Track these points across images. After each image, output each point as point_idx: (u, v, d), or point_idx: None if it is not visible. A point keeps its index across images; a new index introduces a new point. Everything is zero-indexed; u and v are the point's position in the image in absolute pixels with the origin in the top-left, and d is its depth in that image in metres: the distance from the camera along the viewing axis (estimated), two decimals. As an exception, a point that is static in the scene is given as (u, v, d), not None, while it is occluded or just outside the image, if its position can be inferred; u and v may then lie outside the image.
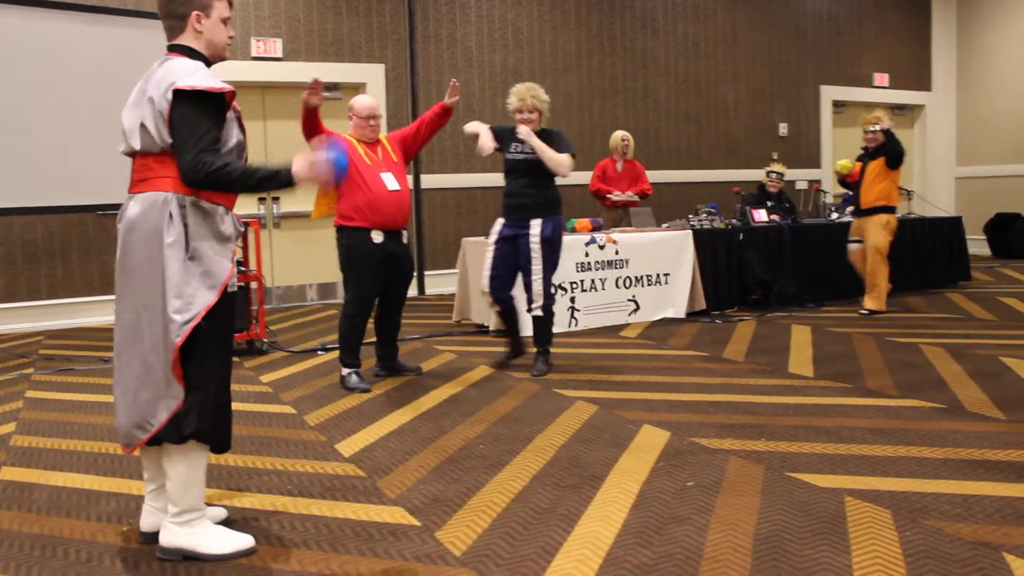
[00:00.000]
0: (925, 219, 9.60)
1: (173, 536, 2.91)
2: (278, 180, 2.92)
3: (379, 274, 5.31)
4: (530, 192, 5.54)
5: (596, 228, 7.41)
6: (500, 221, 5.69)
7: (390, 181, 5.28)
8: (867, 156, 7.79)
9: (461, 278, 7.49)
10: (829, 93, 12.53)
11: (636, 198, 8.48)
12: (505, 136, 5.60)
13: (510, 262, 5.64)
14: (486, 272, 5.66)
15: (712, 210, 8.39)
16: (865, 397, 4.89)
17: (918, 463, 3.74)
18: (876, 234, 7.68)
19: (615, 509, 3.28)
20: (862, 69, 12.92)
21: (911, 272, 9.16)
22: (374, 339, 5.68)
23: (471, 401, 4.98)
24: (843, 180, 8.01)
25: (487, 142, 5.49)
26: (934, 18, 13.61)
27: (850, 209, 8.28)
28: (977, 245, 12.67)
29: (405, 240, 5.45)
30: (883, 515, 3.16)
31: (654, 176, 10.59)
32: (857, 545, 2.92)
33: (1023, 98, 12.68)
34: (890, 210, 7.74)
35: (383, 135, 5.54)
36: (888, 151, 7.61)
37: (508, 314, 5.73)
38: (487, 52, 9.87)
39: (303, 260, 9.25)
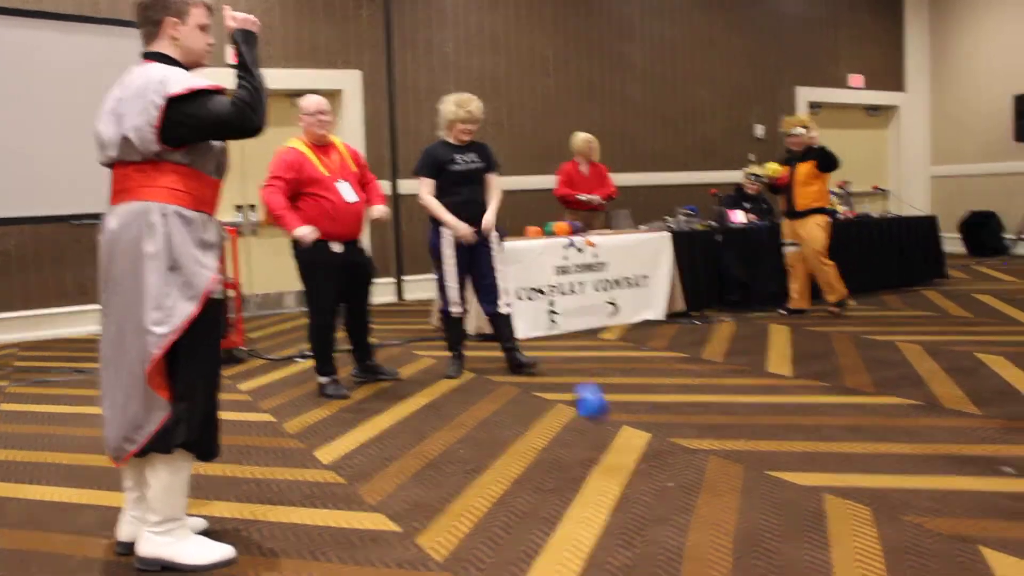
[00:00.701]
0: (901, 218, 9.67)
1: (152, 546, 2.88)
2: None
3: (340, 283, 5.29)
4: (482, 199, 5.73)
5: (575, 231, 7.40)
6: (448, 232, 5.64)
7: (347, 192, 5.22)
8: (794, 159, 7.75)
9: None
10: (805, 95, 12.60)
11: (603, 201, 8.33)
12: (441, 152, 5.68)
13: (464, 271, 5.72)
14: (453, 285, 5.68)
15: (690, 212, 8.42)
16: (843, 395, 4.92)
17: (896, 459, 3.76)
18: (815, 236, 7.60)
19: (596, 511, 3.28)
20: (837, 71, 12.99)
21: (888, 270, 9.22)
22: (349, 346, 5.65)
23: (450, 406, 4.96)
24: (772, 184, 7.91)
25: (466, 231, 5.58)
26: (907, 20, 13.72)
27: (752, 217, 8.28)
28: (952, 243, 12.77)
29: (361, 246, 5.45)
30: (862, 512, 3.18)
31: (632, 179, 10.64)
32: (837, 542, 2.93)
33: (995, 98, 12.79)
34: (824, 211, 7.73)
35: (340, 140, 5.50)
36: (820, 155, 7.58)
37: (461, 322, 5.85)
38: (464, 57, 9.87)
39: (281, 267, 9.17)
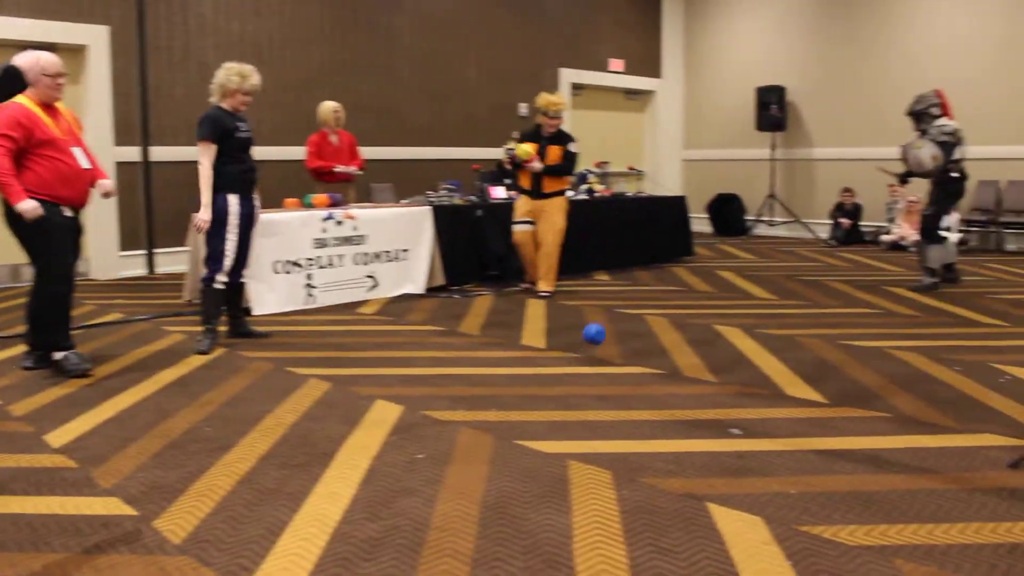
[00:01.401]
0: (654, 198, 10.20)
1: None
2: None
3: (72, 247, 4.99)
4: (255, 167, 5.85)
5: (334, 204, 7.29)
6: (235, 198, 5.61)
7: (81, 158, 4.94)
8: (546, 140, 7.69)
9: (193, 256, 7.14)
10: (568, 76, 13.01)
11: (358, 172, 8.23)
12: (227, 120, 5.62)
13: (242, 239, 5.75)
14: (231, 255, 5.64)
15: (452, 187, 8.50)
16: (592, 366, 5.16)
17: (637, 425, 3.99)
18: (558, 219, 7.69)
19: (344, 485, 3.27)
20: (599, 55, 13.51)
21: (640, 247, 9.72)
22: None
23: (199, 383, 4.78)
24: (517, 162, 7.68)
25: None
26: (664, 10, 14.46)
27: (512, 193, 8.22)
28: (700, 223, 13.65)
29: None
30: (603, 476, 3.36)
31: (397, 153, 10.63)
32: (578, 505, 3.08)
33: (741, 89, 13.76)
34: (564, 193, 7.85)
35: (63, 105, 5.09)
36: (568, 159, 7.67)
37: (224, 294, 5.82)
38: (224, 19, 9.44)
39: None
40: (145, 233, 9.04)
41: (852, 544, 2.76)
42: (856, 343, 5.71)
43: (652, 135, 14.64)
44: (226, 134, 5.56)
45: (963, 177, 7.84)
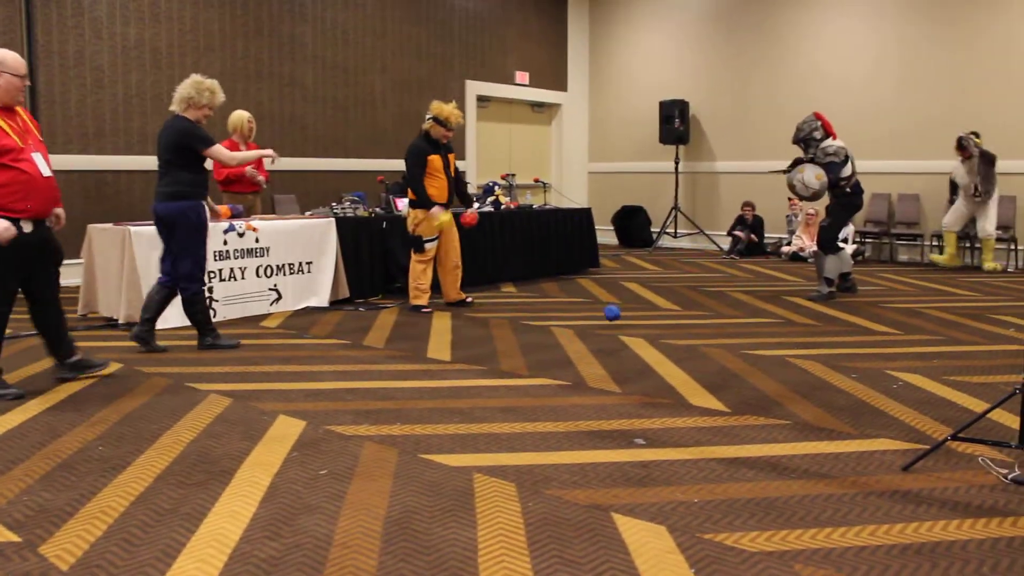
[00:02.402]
0: (560, 210, 10.27)
1: None
2: None
3: (25, 266, 4.68)
4: None
5: (235, 215, 7.13)
6: (204, 206, 5.85)
7: (42, 165, 4.67)
8: (444, 149, 7.47)
9: (87, 268, 6.90)
10: (474, 88, 13.03)
11: (264, 182, 8.01)
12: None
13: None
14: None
15: (357, 198, 8.41)
16: (498, 378, 5.14)
17: (543, 437, 3.99)
18: (456, 232, 7.64)
19: (244, 504, 3.18)
20: (505, 67, 13.57)
21: (546, 259, 9.78)
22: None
23: (93, 400, 4.60)
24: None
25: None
26: (570, 25, 14.62)
27: (406, 201, 7.89)
28: (606, 235, 13.81)
29: (49, 225, 4.85)
30: (508, 488, 3.34)
31: (300, 163, 10.48)
32: (483, 519, 3.05)
33: (644, 103, 13.99)
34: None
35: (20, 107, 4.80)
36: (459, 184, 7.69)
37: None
38: (120, 24, 9.17)
39: None
40: (36, 245, 8.68)
41: (753, 550, 2.80)
42: (757, 352, 5.83)
43: (558, 147, 14.77)
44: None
45: (858, 191, 8.11)
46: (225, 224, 6.89)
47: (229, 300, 6.92)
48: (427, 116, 7.37)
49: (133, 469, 3.55)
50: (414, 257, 7.49)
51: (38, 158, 4.64)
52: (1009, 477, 3.43)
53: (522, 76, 13.85)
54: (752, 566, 2.69)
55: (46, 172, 4.68)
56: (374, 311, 7.51)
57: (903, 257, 11.54)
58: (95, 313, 6.95)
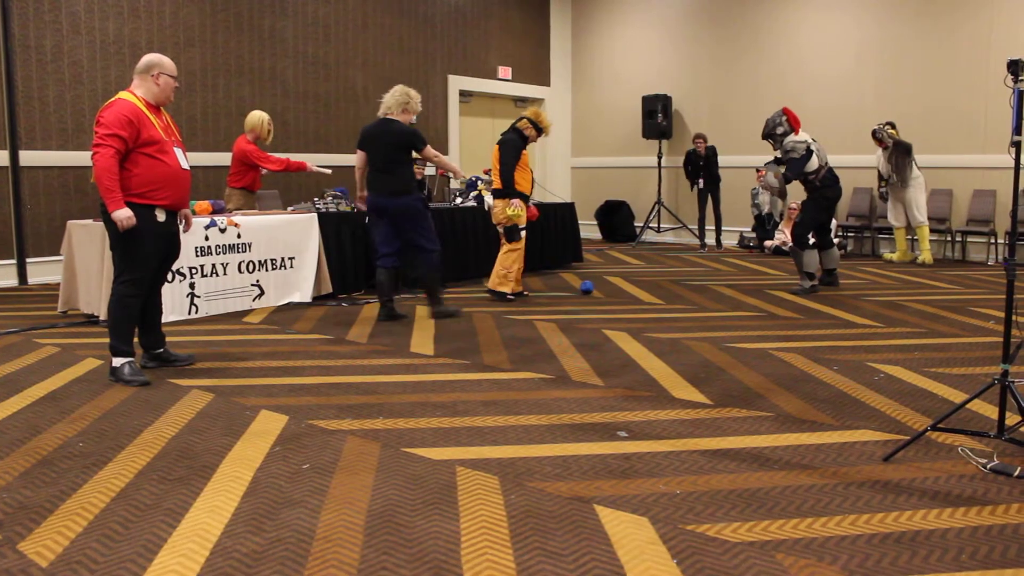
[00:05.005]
0: (544, 204, 10.26)
1: None
2: None
3: (160, 255, 5.01)
4: None
5: (217, 211, 7.09)
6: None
7: (182, 159, 4.96)
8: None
9: (67, 265, 6.84)
10: (457, 83, 13.01)
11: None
12: None
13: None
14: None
15: (339, 194, 8.38)
16: (481, 372, 5.14)
17: (525, 430, 3.99)
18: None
19: (226, 499, 3.17)
20: (488, 62, 13.55)
21: (530, 254, 9.74)
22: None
23: (74, 397, 4.58)
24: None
25: None
26: (552, 20, 14.61)
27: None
28: (589, 230, 13.83)
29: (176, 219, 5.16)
30: (491, 481, 3.34)
31: (282, 159, 10.41)
32: (465, 512, 3.05)
33: (627, 98, 14.01)
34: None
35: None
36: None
37: None
38: (98, 19, 9.09)
39: None
40: (15, 241, 8.62)
41: (735, 541, 2.81)
42: (740, 345, 5.85)
43: (541, 142, 14.70)
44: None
45: (830, 184, 8.11)
46: (206, 220, 6.85)
47: (211, 296, 6.88)
48: (523, 116, 7.84)
49: (114, 465, 3.54)
50: (507, 245, 7.71)
51: (179, 152, 4.96)
52: (988, 466, 3.46)
53: (504, 71, 13.83)
54: (734, 556, 2.70)
55: (184, 165, 4.99)
56: (357, 306, 7.49)
57: (885, 250, 11.59)
58: (75, 310, 6.89)
